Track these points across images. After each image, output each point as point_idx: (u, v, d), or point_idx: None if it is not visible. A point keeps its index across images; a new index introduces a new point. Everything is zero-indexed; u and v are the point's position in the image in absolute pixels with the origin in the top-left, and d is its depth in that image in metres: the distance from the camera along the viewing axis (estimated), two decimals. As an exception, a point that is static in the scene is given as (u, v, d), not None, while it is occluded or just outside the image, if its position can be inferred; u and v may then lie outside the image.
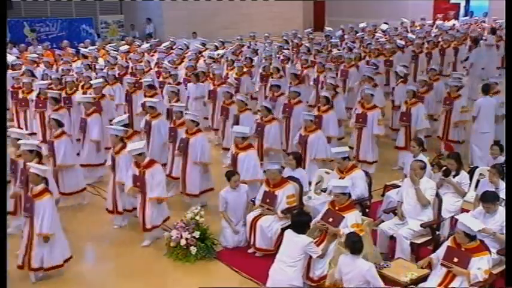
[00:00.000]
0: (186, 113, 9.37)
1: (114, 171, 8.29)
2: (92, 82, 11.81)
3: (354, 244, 5.66)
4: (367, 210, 7.76)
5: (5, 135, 8.04)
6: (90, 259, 7.64)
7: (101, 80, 12.03)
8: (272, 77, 13.17)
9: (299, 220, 6.31)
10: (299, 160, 8.33)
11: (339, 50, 16.70)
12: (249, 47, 17.76)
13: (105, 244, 8.04)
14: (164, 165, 9.19)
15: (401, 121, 10.52)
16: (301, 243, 6.10)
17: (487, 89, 10.70)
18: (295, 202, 7.50)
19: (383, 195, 8.77)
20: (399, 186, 7.79)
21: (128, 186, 7.85)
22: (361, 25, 21.14)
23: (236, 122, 10.20)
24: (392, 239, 6.93)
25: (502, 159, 8.45)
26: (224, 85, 12.01)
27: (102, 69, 13.78)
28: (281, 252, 6.22)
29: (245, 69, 14.24)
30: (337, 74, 13.46)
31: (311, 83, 13.56)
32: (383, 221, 7.41)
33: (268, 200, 7.50)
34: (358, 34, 18.73)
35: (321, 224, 6.57)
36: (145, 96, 11.58)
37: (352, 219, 6.40)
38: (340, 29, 20.93)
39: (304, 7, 28.31)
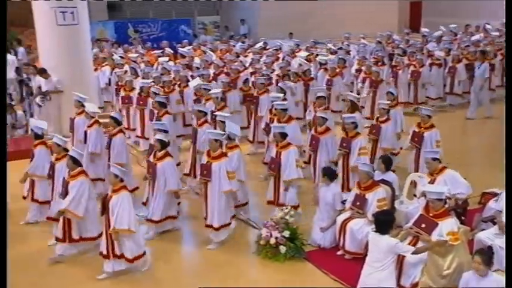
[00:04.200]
0: (210, 132, 8.26)
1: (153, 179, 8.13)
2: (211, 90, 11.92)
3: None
4: (463, 218, 7.49)
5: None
6: (182, 254, 7.91)
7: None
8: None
9: (382, 219, 6.13)
10: (388, 163, 8.22)
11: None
12: (340, 48, 17.64)
13: (195, 240, 8.25)
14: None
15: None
16: (387, 246, 5.93)
17: None
18: (386, 206, 7.37)
19: (480, 203, 8.43)
20: (497, 194, 7.45)
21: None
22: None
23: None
24: (490, 249, 6.62)
25: None
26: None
27: (198, 68, 14.26)
28: (370, 256, 6.12)
29: (338, 70, 14.23)
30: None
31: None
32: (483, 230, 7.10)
33: (358, 203, 7.43)
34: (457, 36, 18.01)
35: (413, 231, 6.42)
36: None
37: (448, 226, 6.18)
38: (439, 29, 20.22)
39: (400, 7, 27.61)
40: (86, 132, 9.70)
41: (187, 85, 12.64)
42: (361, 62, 15.31)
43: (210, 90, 11.33)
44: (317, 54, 16.66)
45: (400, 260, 6.32)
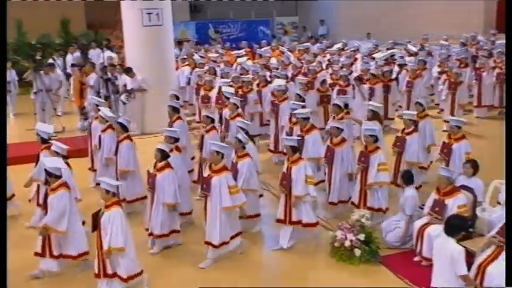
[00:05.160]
0: (212, 143, 7.79)
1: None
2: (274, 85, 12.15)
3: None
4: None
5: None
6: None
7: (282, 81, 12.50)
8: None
9: (453, 222, 5.85)
10: (477, 168, 7.95)
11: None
12: (421, 49, 17.21)
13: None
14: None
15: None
16: (451, 251, 5.59)
17: None
18: (467, 213, 7.15)
19: None
20: None
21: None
22: None
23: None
24: None
25: None
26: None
27: (277, 69, 14.41)
28: (435, 266, 5.80)
29: (418, 72, 13.94)
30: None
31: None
32: None
33: (437, 209, 7.27)
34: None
35: (497, 240, 6.19)
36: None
37: (534, 236, 5.93)
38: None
39: (486, 7, 26.48)
40: (100, 137, 9.56)
41: (265, 85, 12.80)
42: (443, 64, 14.89)
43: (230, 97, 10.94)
44: (394, 55, 16.35)
45: (482, 270, 6.11)
